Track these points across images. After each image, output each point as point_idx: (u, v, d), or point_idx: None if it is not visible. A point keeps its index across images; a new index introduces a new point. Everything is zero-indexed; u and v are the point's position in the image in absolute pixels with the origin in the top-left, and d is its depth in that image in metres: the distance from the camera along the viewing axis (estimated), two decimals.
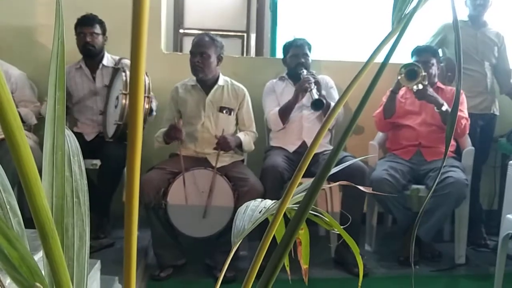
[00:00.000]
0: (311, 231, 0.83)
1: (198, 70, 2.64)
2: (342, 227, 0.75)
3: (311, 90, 2.69)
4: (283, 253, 0.49)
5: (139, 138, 0.40)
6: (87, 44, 2.89)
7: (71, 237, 0.55)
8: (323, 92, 2.79)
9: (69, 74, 2.96)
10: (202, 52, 2.62)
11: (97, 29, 2.91)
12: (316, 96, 2.67)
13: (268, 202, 0.82)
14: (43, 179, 0.54)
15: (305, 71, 2.82)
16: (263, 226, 0.70)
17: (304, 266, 0.80)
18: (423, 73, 2.65)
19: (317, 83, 2.74)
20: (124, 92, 2.54)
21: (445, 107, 2.73)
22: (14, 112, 0.38)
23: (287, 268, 0.83)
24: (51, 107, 0.55)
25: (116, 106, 2.70)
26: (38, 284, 0.45)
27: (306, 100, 2.81)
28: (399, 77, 2.69)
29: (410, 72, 2.66)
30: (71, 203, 0.56)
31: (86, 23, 2.87)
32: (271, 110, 2.90)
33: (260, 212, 0.77)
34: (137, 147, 0.41)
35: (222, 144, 2.58)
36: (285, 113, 2.84)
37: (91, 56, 2.94)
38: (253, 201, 0.84)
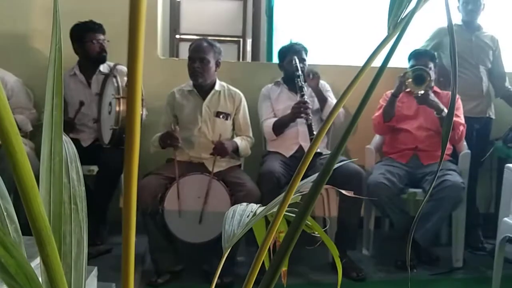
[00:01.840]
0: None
1: (198, 76, 2.64)
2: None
3: (306, 116, 2.68)
4: (282, 258, 0.49)
5: (136, 143, 0.40)
6: (102, 51, 2.88)
7: (68, 244, 0.54)
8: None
9: (64, 81, 2.94)
10: (201, 58, 2.62)
11: (104, 35, 2.91)
12: (310, 122, 2.66)
13: (254, 206, 0.81)
14: (40, 186, 0.54)
15: (301, 81, 2.78)
16: None
17: (283, 268, 0.80)
18: (430, 78, 2.65)
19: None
20: (116, 96, 2.53)
21: (445, 112, 2.74)
22: (11, 118, 0.38)
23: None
24: (48, 113, 0.55)
25: (109, 112, 2.69)
26: None
27: None
28: (406, 82, 2.69)
29: (418, 77, 2.66)
30: (68, 209, 0.55)
31: (96, 30, 2.85)
32: (266, 121, 2.91)
33: (248, 217, 0.76)
34: (135, 152, 0.40)
35: (219, 149, 2.57)
36: (279, 128, 2.85)
37: (100, 63, 2.93)
38: (239, 205, 0.83)
